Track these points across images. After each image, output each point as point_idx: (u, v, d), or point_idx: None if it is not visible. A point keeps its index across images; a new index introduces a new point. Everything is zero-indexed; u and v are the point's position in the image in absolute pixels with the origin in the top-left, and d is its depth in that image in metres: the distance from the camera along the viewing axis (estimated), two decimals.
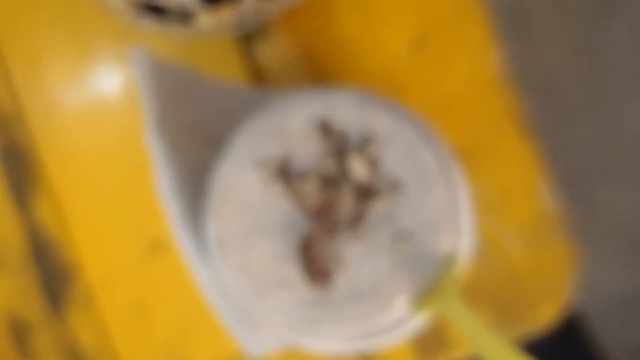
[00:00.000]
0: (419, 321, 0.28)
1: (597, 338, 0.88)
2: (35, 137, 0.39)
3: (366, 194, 0.27)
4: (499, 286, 0.37)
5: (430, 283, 0.28)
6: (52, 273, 0.39)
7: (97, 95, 0.39)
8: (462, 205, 0.28)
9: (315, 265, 0.28)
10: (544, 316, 0.37)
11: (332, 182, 0.27)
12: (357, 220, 0.28)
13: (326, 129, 0.28)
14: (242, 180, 0.28)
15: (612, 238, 0.98)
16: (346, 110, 0.28)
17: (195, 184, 0.30)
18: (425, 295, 0.28)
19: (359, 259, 0.28)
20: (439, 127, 0.36)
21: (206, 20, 0.28)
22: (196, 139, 0.31)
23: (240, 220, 0.28)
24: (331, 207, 0.28)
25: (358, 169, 0.27)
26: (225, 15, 0.28)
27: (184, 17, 0.28)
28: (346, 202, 0.28)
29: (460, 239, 0.28)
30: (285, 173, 0.28)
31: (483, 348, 0.25)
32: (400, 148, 0.28)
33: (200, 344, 0.38)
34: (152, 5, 0.28)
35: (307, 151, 0.28)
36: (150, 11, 0.28)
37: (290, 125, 0.28)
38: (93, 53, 0.39)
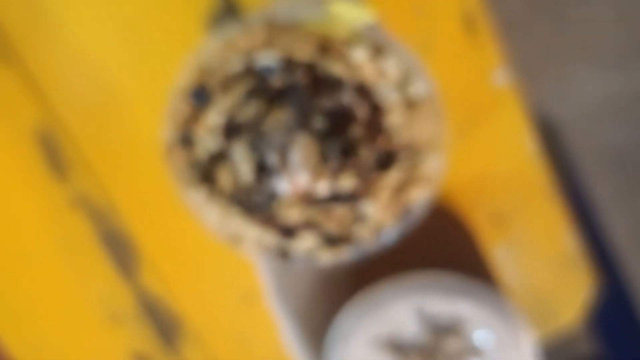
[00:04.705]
0: None
1: (575, 143, 1.01)
2: (129, 222, 0.46)
3: (456, 357, 0.38)
4: (529, 303, 0.48)
5: None
6: (163, 321, 0.48)
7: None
8: (527, 355, 0.38)
9: None
10: (566, 321, 0.50)
11: (429, 351, 0.37)
12: None
13: (421, 314, 0.37)
14: (357, 351, 0.38)
15: (587, 46, 1.05)
16: (437, 299, 0.37)
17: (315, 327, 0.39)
18: None
19: None
20: (485, 196, 0.45)
21: (326, 257, 0.34)
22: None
23: None
24: None
25: (449, 343, 0.37)
26: (343, 253, 0.34)
27: (307, 257, 0.34)
28: None
29: None
30: (392, 345, 0.37)
31: None
32: (482, 323, 0.37)
33: None
34: (281, 247, 0.34)
35: (408, 330, 0.37)
36: (278, 254, 0.34)
37: (392, 312, 0.37)
38: None
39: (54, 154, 0.43)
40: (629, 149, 1.08)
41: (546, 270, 0.47)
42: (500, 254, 0.47)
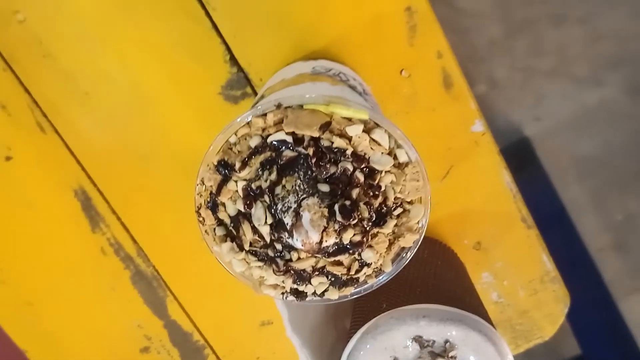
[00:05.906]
0: None
1: (552, 153, 1.07)
2: (155, 264, 0.52)
3: None
4: (513, 320, 0.55)
5: None
6: (187, 350, 0.55)
7: None
8: None
9: None
10: (546, 334, 0.56)
11: None
12: None
13: (418, 341, 0.43)
14: None
15: (561, 65, 1.11)
16: (432, 327, 0.43)
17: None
18: None
19: None
20: (468, 228, 0.51)
21: (334, 296, 0.41)
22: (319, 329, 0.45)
23: None
24: None
25: None
26: (349, 290, 0.41)
27: (318, 295, 0.41)
28: None
29: None
30: None
31: None
32: (471, 345, 0.43)
33: None
34: (296, 290, 0.40)
35: (408, 355, 0.43)
36: (293, 294, 0.40)
37: (394, 340, 0.43)
38: None
39: (89, 207, 0.49)
40: (601, 156, 1.14)
41: (526, 290, 0.54)
42: (484, 279, 0.53)
